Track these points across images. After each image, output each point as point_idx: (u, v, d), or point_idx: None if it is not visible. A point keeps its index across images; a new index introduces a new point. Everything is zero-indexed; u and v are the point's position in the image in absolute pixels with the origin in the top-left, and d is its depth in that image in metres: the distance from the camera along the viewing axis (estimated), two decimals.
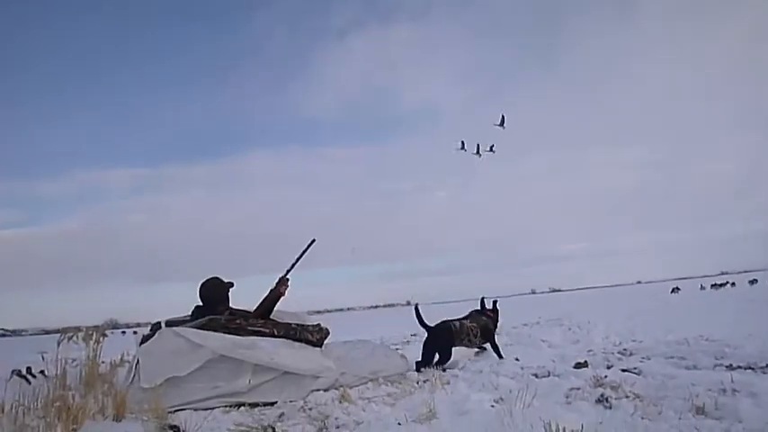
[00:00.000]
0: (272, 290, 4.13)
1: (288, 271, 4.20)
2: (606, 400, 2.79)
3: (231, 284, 4.13)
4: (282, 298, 4.21)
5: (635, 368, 3.82)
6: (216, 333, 3.58)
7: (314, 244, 4.28)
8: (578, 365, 4.10)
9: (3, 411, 2.66)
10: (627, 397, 2.84)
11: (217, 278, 4.12)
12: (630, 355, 4.67)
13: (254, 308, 4.10)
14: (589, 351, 5.12)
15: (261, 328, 3.79)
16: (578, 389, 3.12)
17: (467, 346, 5.03)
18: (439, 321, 4.93)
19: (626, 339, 5.98)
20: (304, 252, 4.28)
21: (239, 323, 3.74)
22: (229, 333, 3.65)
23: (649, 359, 4.31)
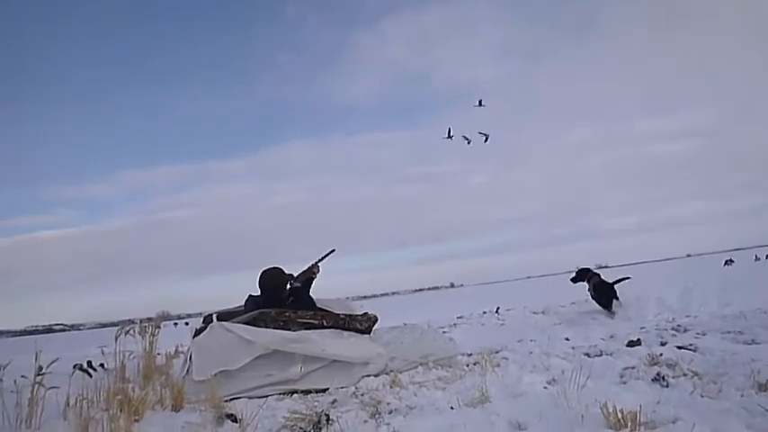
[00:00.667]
0: (303, 270, 4.20)
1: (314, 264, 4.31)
2: (663, 378, 2.73)
3: (291, 276, 4.22)
4: (314, 281, 4.30)
5: (691, 345, 3.73)
6: (266, 329, 3.65)
7: (332, 253, 4.39)
8: (631, 343, 4.02)
9: (68, 405, 2.75)
10: (685, 375, 2.78)
11: (278, 268, 4.21)
12: (685, 331, 4.55)
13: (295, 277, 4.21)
14: (641, 328, 5.00)
15: (310, 320, 3.86)
16: (633, 368, 3.07)
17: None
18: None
19: (679, 315, 5.82)
20: (321, 259, 4.36)
21: (288, 316, 3.81)
22: (279, 327, 3.73)
23: (705, 335, 4.19)
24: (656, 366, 2.99)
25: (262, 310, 3.80)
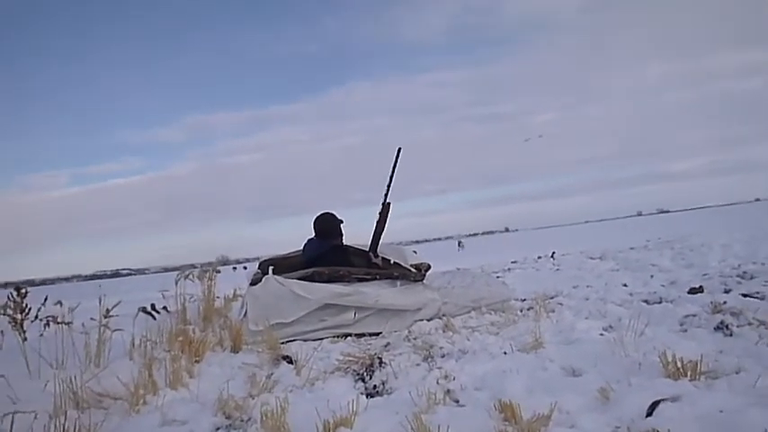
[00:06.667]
0: (378, 221, 4.18)
1: (386, 194, 4.16)
2: (726, 327, 2.63)
3: (342, 221, 4.32)
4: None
5: (757, 293, 3.58)
6: (319, 284, 3.73)
7: (401, 153, 4.18)
8: (693, 291, 3.90)
9: (134, 346, 2.90)
10: (749, 324, 2.68)
11: (330, 213, 4.31)
12: (752, 278, 4.35)
13: (369, 243, 4.20)
14: (704, 275, 4.83)
15: (364, 276, 3.92)
16: (694, 316, 2.98)
17: None
18: None
19: (746, 262, 5.57)
20: (395, 165, 4.17)
21: (342, 274, 3.88)
22: (333, 281, 3.81)
23: None
24: (719, 314, 2.89)
25: (315, 269, 3.88)
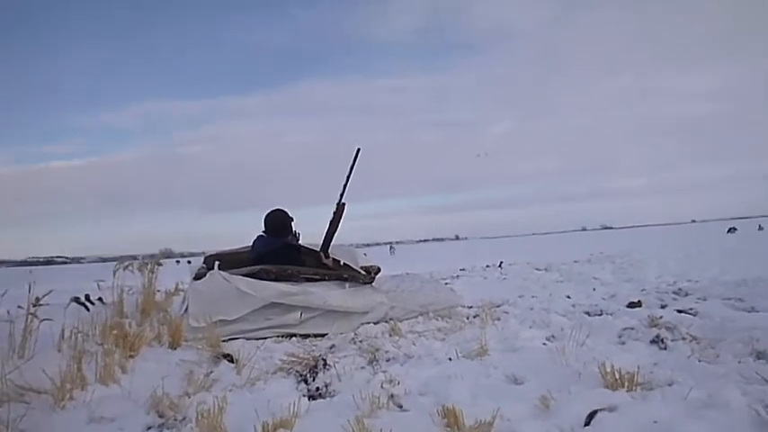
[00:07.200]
0: (331, 221, 4.14)
1: (342, 194, 4.13)
2: (662, 341, 2.74)
3: (293, 219, 4.27)
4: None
5: (691, 309, 3.74)
6: (266, 282, 3.66)
7: (360, 154, 4.15)
8: (632, 305, 4.04)
9: (63, 337, 2.70)
10: (683, 339, 2.79)
11: (282, 210, 4.24)
12: (686, 295, 4.56)
13: (321, 242, 4.15)
14: (642, 290, 5.03)
15: (313, 276, 3.88)
16: (632, 329, 3.08)
17: None
18: None
19: (681, 279, 5.84)
20: (352, 166, 4.14)
21: (291, 273, 3.82)
22: (281, 280, 3.74)
23: (706, 300, 4.20)
24: (655, 328, 3.00)
25: (263, 267, 3.80)
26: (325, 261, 4.06)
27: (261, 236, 4.21)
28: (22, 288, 2.75)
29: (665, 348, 2.66)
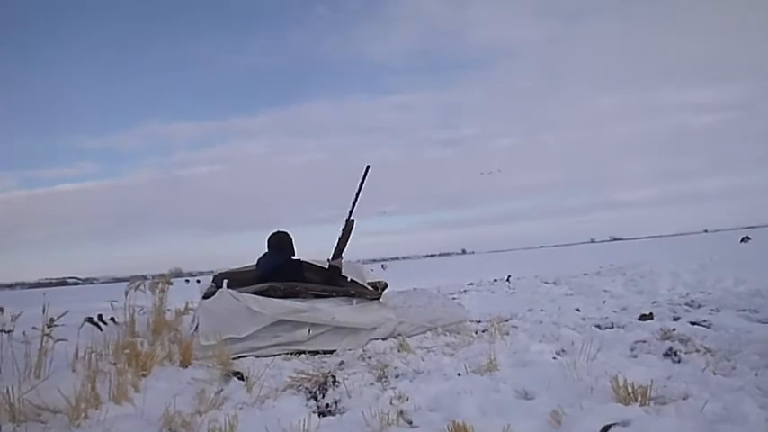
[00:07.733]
0: (340, 236, 4.20)
1: (351, 211, 4.22)
2: (675, 353, 2.70)
3: (292, 239, 4.36)
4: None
5: (704, 321, 3.69)
6: (274, 299, 3.67)
7: (370, 170, 4.27)
8: (643, 317, 3.98)
9: (77, 357, 2.73)
10: (697, 351, 2.74)
11: (284, 231, 4.35)
12: (699, 307, 4.48)
13: (331, 256, 4.25)
14: (654, 302, 4.95)
15: (320, 292, 3.88)
16: (644, 341, 3.03)
17: None
18: None
19: (694, 290, 5.74)
20: (362, 182, 4.24)
21: (299, 289, 3.83)
22: (288, 297, 3.75)
23: (719, 311, 4.12)
24: (668, 341, 2.95)
25: (271, 284, 3.82)
26: (333, 263, 4.20)
27: (265, 254, 4.29)
28: (37, 309, 2.78)
29: (679, 361, 2.62)
